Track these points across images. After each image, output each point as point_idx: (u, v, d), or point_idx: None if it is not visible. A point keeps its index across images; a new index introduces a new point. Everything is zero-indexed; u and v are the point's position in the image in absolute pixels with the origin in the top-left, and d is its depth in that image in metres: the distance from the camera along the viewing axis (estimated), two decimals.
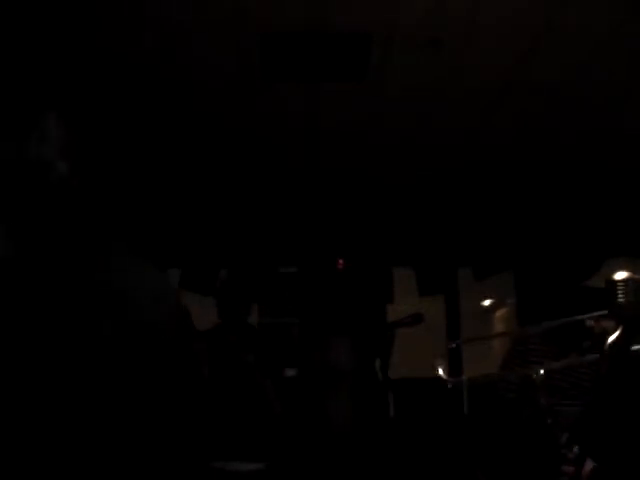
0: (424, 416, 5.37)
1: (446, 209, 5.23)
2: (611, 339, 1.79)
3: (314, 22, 2.91)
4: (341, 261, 5.98)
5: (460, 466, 4.23)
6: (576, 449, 2.29)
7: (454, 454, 4.75)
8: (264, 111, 3.71)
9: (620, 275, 1.84)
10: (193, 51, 3.11)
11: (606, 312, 2.32)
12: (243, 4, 2.77)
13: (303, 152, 4.26)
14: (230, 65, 3.22)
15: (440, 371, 2.25)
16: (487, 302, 6.20)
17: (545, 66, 3.22)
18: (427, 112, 3.71)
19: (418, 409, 5.31)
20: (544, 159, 4.31)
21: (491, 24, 2.90)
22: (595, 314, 2.45)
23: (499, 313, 6.22)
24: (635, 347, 1.77)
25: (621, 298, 1.79)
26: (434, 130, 3.93)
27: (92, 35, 2.93)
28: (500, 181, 4.70)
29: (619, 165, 4.37)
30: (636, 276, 1.82)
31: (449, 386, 2.26)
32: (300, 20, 2.89)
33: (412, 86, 3.42)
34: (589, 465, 2.27)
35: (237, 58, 3.16)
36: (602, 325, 2.58)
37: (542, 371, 2.22)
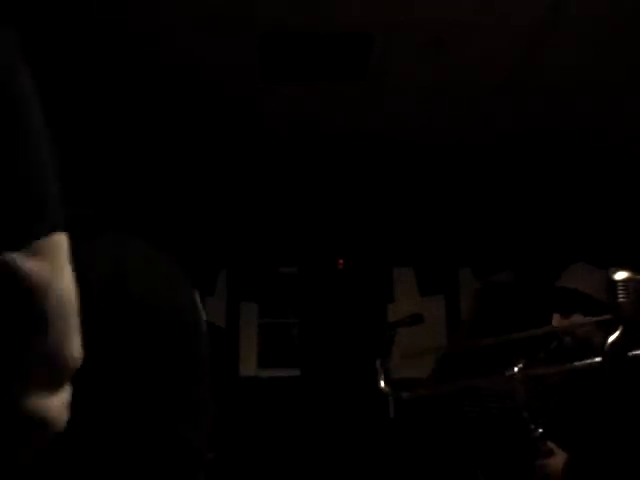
0: (424, 416, 5.37)
1: (446, 209, 5.23)
2: (611, 339, 1.78)
3: (314, 22, 2.91)
4: (341, 261, 5.98)
5: (460, 467, 4.23)
6: (550, 443, 2.31)
7: (454, 454, 4.76)
8: (264, 111, 3.70)
9: (620, 275, 1.83)
10: (193, 51, 3.11)
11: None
12: (243, 4, 2.77)
13: (303, 152, 4.26)
14: (230, 65, 3.22)
15: (382, 383, 2.26)
16: None
17: (545, 66, 3.22)
18: (427, 112, 3.70)
19: (418, 409, 5.31)
20: (544, 159, 4.31)
21: (491, 24, 2.90)
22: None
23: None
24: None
25: (621, 298, 1.78)
26: (434, 130, 3.93)
27: (91, 35, 2.94)
28: (500, 181, 4.70)
29: (619, 164, 4.36)
30: (636, 276, 1.81)
31: (389, 396, 2.26)
32: (300, 20, 2.89)
33: (412, 86, 3.42)
34: (561, 457, 2.29)
35: (237, 58, 3.16)
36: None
37: (516, 369, 2.26)
